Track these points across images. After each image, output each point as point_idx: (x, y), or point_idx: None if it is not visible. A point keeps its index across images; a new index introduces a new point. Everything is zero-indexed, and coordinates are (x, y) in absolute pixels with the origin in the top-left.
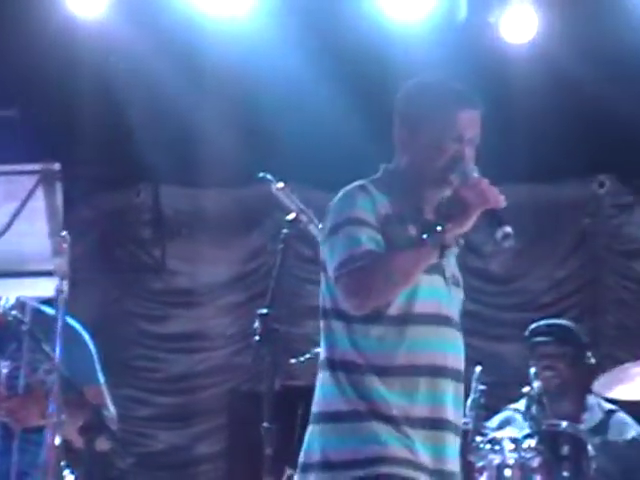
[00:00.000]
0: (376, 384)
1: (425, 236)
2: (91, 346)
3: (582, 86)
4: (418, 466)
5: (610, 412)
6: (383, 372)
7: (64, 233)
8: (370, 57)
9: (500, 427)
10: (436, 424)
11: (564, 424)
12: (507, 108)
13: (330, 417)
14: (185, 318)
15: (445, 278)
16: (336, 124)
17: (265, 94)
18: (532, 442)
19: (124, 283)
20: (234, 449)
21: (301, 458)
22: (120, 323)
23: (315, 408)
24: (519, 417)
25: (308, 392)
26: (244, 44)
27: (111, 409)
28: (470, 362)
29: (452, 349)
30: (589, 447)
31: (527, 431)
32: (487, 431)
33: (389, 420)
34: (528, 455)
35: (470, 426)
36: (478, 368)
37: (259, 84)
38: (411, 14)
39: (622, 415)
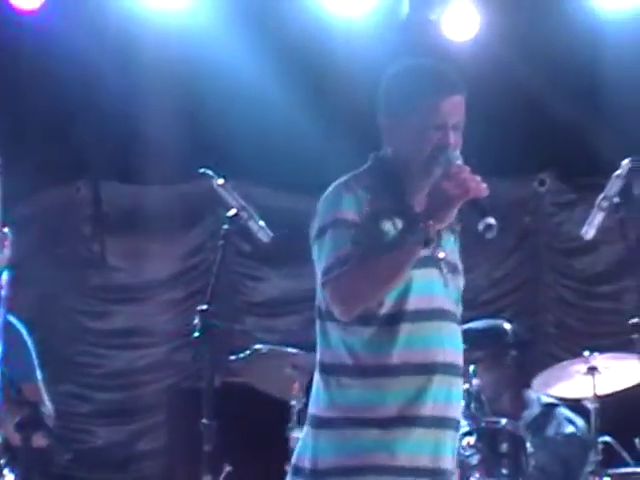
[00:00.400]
0: (367, 388)
1: (407, 233)
2: (29, 343)
3: (523, 84)
4: (408, 471)
5: (549, 406)
6: (377, 373)
7: (6, 230)
8: (313, 52)
9: None
10: (438, 422)
11: (503, 421)
12: None
13: (321, 422)
14: (125, 314)
15: (440, 269)
16: (279, 120)
17: (207, 89)
18: (471, 439)
19: (65, 279)
20: (174, 446)
21: (294, 460)
22: (61, 319)
23: (310, 410)
24: None
25: (247, 389)
26: (186, 39)
27: (48, 406)
28: None
29: (449, 344)
30: (528, 444)
31: (466, 429)
32: None
33: (379, 425)
34: (467, 453)
35: None
36: None
37: (201, 79)
38: (353, 10)
39: (562, 410)
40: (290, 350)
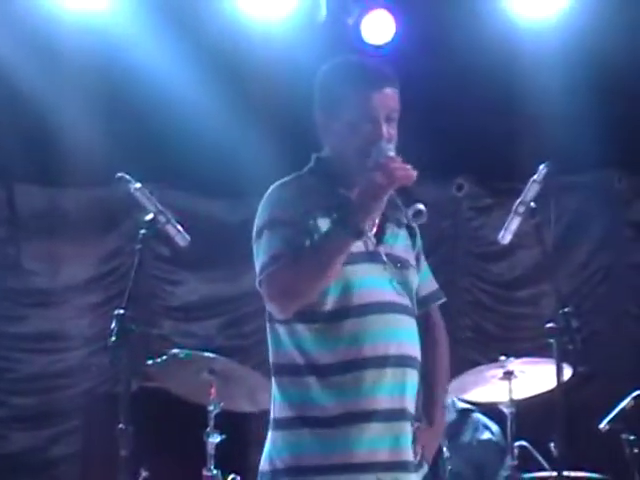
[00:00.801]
0: (317, 386)
1: (337, 226)
2: None
3: (440, 89)
4: (368, 467)
5: (465, 411)
6: (326, 371)
7: None
8: (232, 55)
9: None
10: (395, 415)
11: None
12: None
13: (277, 424)
14: (42, 318)
15: (384, 263)
16: (197, 124)
17: (126, 92)
18: None
19: None
20: (90, 451)
21: (260, 467)
22: None
23: (270, 414)
24: None
25: (164, 394)
26: (105, 40)
27: None
28: None
29: (403, 336)
30: (444, 449)
31: None
32: None
33: (334, 423)
34: None
35: None
36: None
37: (120, 81)
38: (272, 13)
39: (477, 415)
40: (208, 355)
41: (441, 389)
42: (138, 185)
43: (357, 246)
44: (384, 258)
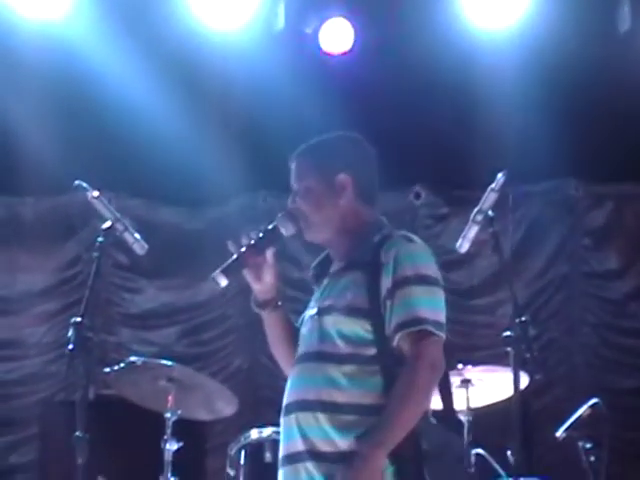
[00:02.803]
0: None
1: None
2: None
3: (398, 97)
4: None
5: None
6: None
7: None
8: (189, 65)
9: None
10: (289, 460)
11: None
12: (326, 117)
13: None
14: None
15: (317, 314)
16: (156, 132)
17: (84, 100)
18: None
19: None
20: (47, 459)
21: None
22: None
23: None
24: None
25: (122, 401)
26: (63, 48)
27: None
28: None
29: (296, 383)
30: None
31: None
32: None
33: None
34: None
35: None
36: None
37: (78, 90)
38: (229, 24)
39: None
40: (165, 362)
41: (381, 423)
42: (96, 193)
43: (306, 311)
44: (314, 312)
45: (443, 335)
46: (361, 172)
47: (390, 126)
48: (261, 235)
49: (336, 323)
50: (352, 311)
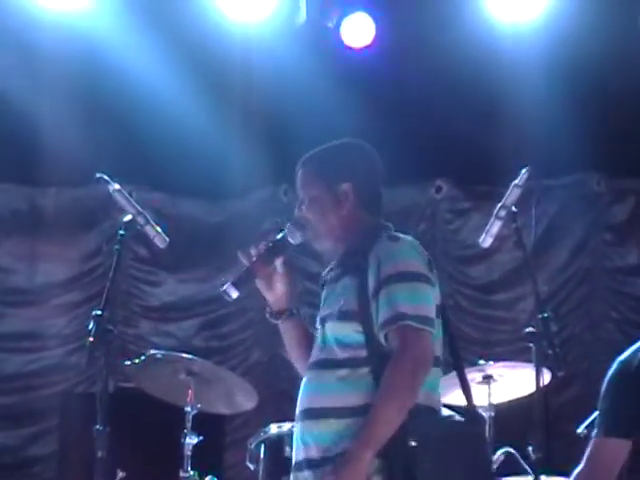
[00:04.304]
0: None
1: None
2: None
3: (420, 92)
4: None
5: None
6: None
7: None
8: (212, 57)
9: None
10: (295, 468)
11: None
12: (348, 111)
13: None
14: (20, 317)
15: (320, 322)
16: (178, 125)
17: (107, 93)
18: None
19: None
20: (66, 451)
21: None
22: None
23: None
24: None
25: (142, 394)
26: (86, 41)
27: None
28: None
29: (302, 393)
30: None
31: None
32: None
33: None
34: None
35: None
36: None
37: (101, 82)
38: (251, 16)
39: None
40: (185, 356)
41: (366, 422)
42: (117, 186)
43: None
44: (317, 322)
45: (427, 328)
46: (364, 181)
47: (412, 120)
48: (270, 245)
49: (332, 329)
50: (344, 315)
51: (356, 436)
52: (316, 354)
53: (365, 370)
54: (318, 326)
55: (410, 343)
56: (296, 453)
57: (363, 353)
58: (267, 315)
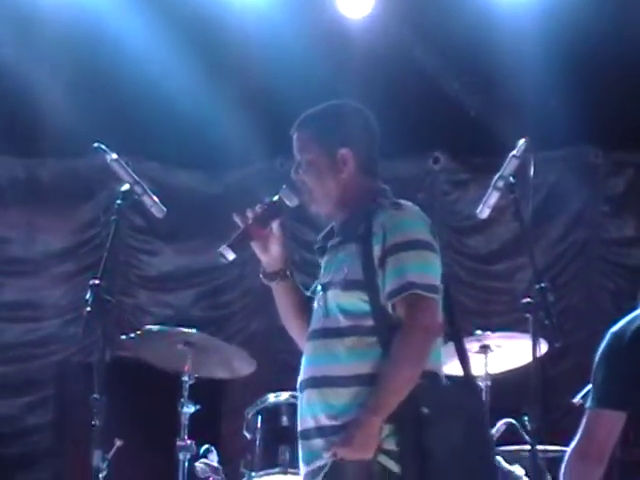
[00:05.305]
0: None
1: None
2: None
3: (418, 62)
4: None
5: None
6: None
7: None
8: (209, 28)
9: None
10: (301, 437)
11: None
12: (345, 82)
13: None
14: (17, 287)
15: (321, 290)
16: (174, 95)
17: (103, 63)
18: None
19: None
20: (64, 420)
21: None
22: None
23: None
24: None
25: (139, 364)
26: (81, 11)
27: None
28: None
29: (307, 361)
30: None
31: None
32: None
33: None
34: None
35: None
36: None
37: (97, 53)
38: None
39: None
40: (182, 329)
41: (376, 389)
42: (115, 156)
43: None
44: (319, 289)
45: (435, 296)
46: (362, 145)
47: (409, 91)
48: (266, 207)
49: (336, 297)
50: (349, 284)
51: (366, 403)
52: (318, 322)
53: (373, 339)
54: (318, 293)
55: (419, 312)
56: (302, 422)
57: (369, 322)
58: (261, 276)
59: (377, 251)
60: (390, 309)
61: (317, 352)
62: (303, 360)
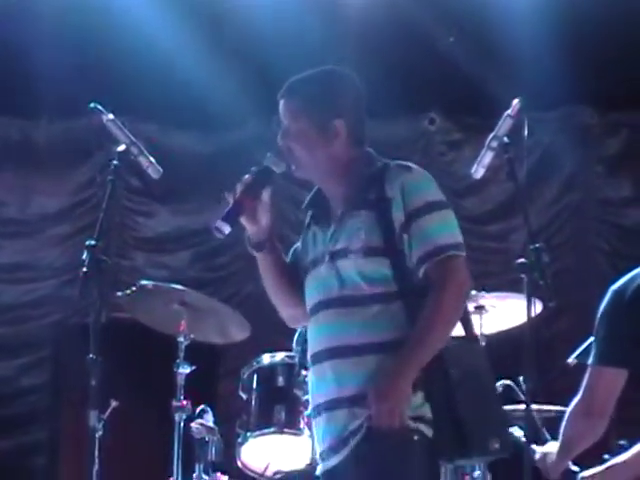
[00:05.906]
0: None
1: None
2: None
3: (413, 24)
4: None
5: None
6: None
7: None
8: None
9: None
10: (325, 408)
11: None
12: (339, 44)
13: None
14: (13, 249)
15: (325, 263)
16: (170, 56)
17: (98, 22)
18: None
19: None
20: (60, 381)
21: None
22: None
23: None
24: None
25: (135, 325)
26: None
27: None
28: None
29: (322, 331)
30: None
31: None
32: None
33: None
34: None
35: (296, 360)
36: None
37: (93, 14)
38: None
39: None
40: (177, 287)
41: (410, 343)
42: (111, 116)
43: (312, 254)
44: (326, 257)
45: (464, 254)
46: (354, 115)
47: (404, 53)
48: (255, 177)
49: (356, 266)
50: (370, 251)
51: (398, 354)
52: (331, 292)
53: (398, 305)
54: (324, 262)
55: (455, 271)
56: (326, 393)
57: (393, 288)
58: (248, 247)
59: (399, 216)
60: (421, 274)
61: (337, 321)
62: (316, 331)
